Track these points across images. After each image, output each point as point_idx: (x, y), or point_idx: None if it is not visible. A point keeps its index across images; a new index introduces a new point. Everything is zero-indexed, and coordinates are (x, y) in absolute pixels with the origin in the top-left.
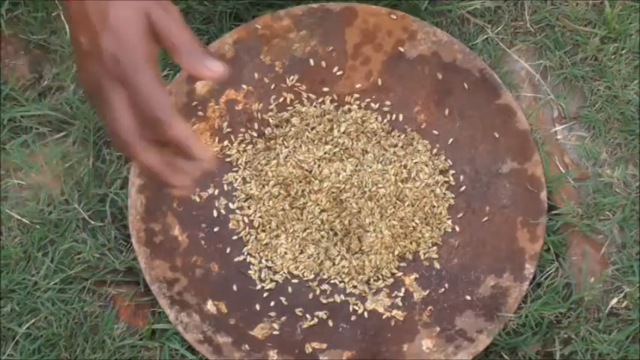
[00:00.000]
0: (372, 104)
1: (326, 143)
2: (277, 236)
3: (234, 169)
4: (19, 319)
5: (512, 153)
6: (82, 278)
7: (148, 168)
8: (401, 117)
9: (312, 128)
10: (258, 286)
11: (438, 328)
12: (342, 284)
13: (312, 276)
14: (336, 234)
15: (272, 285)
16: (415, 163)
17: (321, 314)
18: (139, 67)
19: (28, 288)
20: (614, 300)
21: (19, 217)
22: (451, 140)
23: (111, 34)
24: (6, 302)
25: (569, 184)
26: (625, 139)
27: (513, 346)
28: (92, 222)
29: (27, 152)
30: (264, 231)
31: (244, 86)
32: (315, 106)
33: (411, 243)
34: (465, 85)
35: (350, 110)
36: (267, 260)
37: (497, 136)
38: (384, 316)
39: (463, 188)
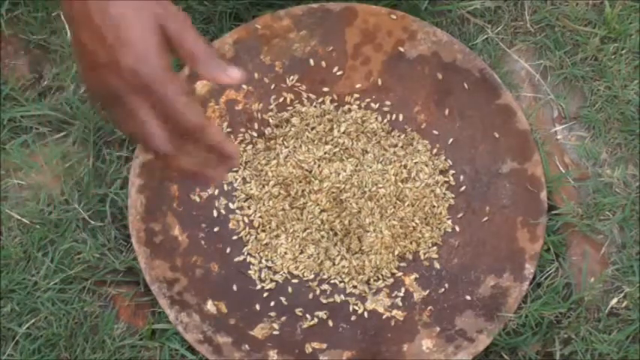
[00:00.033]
0: (372, 104)
1: (326, 143)
2: (277, 236)
3: (234, 169)
4: (19, 319)
5: (512, 153)
6: (82, 278)
7: (184, 170)
8: (401, 117)
9: (312, 128)
10: (258, 286)
11: (438, 328)
12: (342, 284)
13: (312, 276)
14: (336, 234)
15: (272, 285)
16: (415, 163)
17: (321, 314)
18: (163, 81)
19: (28, 288)
20: (614, 300)
21: (19, 217)
22: (451, 140)
23: (129, 49)
24: (6, 302)
25: (569, 184)
26: (625, 139)
27: (513, 346)
28: (92, 222)
29: (27, 152)
30: (264, 231)
31: (244, 86)
32: (315, 106)
33: (411, 243)
34: (465, 85)
35: (350, 110)
36: (267, 260)
37: (497, 136)
38: (384, 316)
39: (463, 188)
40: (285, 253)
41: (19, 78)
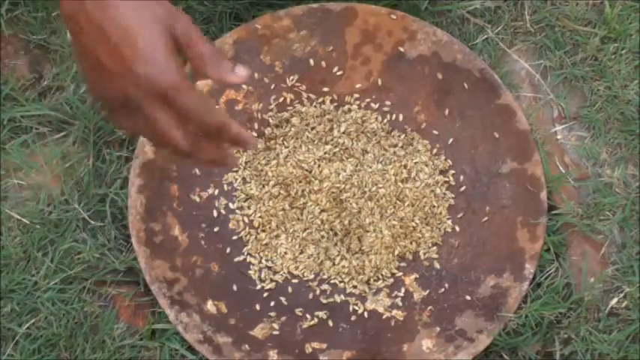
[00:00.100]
0: (372, 104)
1: (326, 143)
2: (277, 236)
3: (234, 169)
4: (19, 319)
5: (512, 153)
6: (82, 278)
7: (207, 163)
8: (401, 117)
9: (312, 128)
10: (258, 286)
11: (438, 328)
12: (342, 284)
13: (312, 276)
14: (336, 234)
15: (272, 285)
16: (415, 163)
17: (321, 314)
18: (182, 88)
19: (28, 288)
20: (614, 300)
21: (19, 217)
22: (451, 140)
23: (143, 59)
24: (6, 302)
25: (569, 184)
26: (625, 139)
27: (513, 346)
28: (92, 222)
29: (27, 152)
30: (264, 231)
31: (244, 86)
32: (315, 106)
33: (411, 243)
34: (465, 85)
35: (350, 110)
36: (267, 260)
37: (497, 136)
38: (384, 316)
39: (463, 188)
40: (285, 253)
41: (19, 78)
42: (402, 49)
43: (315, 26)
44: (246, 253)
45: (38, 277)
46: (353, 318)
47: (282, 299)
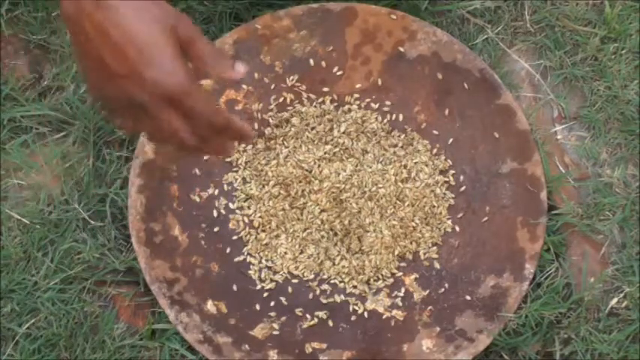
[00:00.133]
0: (372, 104)
1: (326, 143)
2: (277, 236)
3: (234, 169)
4: (19, 319)
5: (512, 153)
6: (82, 278)
7: (213, 153)
8: (401, 117)
9: (312, 128)
10: (258, 286)
11: (438, 328)
12: (342, 284)
13: (312, 276)
14: (336, 234)
15: (272, 285)
16: (415, 163)
17: (321, 314)
18: (190, 91)
19: (28, 288)
20: (614, 300)
21: (19, 217)
22: (451, 140)
23: (149, 61)
24: (6, 302)
25: (569, 184)
26: (625, 139)
27: (513, 346)
28: (92, 222)
29: (27, 152)
30: (264, 231)
31: (244, 86)
32: (315, 106)
33: (411, 243)
34: (465, 85)
35: (350, 110)
36: (267, 260)
37: (497, 136)
38: (384, 316)
39: (463, 188)
40: (285, 253)
41: (19, 78)
42: (402, 49)
43: (315, 26)
44: (246, 253)
45: (38, 277)
46: (353, 318)
47: (282, 299)
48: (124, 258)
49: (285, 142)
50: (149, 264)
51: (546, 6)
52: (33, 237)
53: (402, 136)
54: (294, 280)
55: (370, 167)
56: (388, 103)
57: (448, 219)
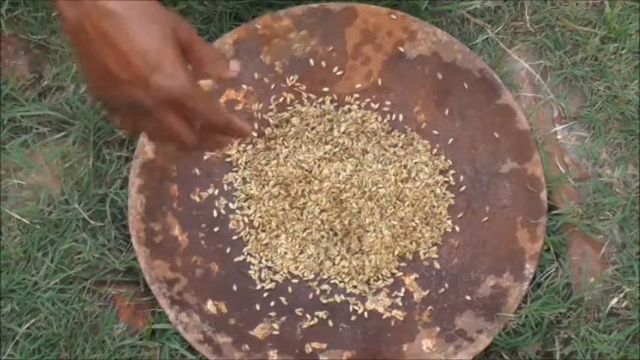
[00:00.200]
0: (372, 104)
1: (326, 143)
2: (277, 236)
3: (234, 169)
4: (19, 319)
5: (512, 153)
6: (82, 278)
7: (211, 149)
8: (401, 117)
9: (312, 128)
10: (258, 286)
11: (438, 328)
12: (342, 284)
13: (312, 276)
14: (336, 234)
15: (272, 285)
16: (415, 163)
17: (321, 314)
18: (193, 95)
19: (28, 288)
20: (614, 300)
21: (19, 217)
22: (451, 140)
23: (153, 66)
24: (6, 302)
25: (569, 184)
26: (625, 139)
27: (513, 346)
28: (92, 222)
29: (27, 152)
30: (264, 231)
31: (244, 86)
32: (315, 106)
33: (411, 243)
34: (465, 85)
35: (350, 110)
36: (267, 260)
37: (497, 136)
38: (384, 316)
39: (463, 188)
40: (285, 253)
41: (19, 78)
42: (402, 49)
43: (315, 26)
44: (246, 253)
45: (38, 277)
46: (353, 318)
47: (282, 299)
48: (124, 258)
49: (285, 142)
50: (149, 264)
51: (546, 6)
52: (33, 237)
53: (402, 136)
54: (294, 280)
55: (370, 167)
56: (388, 103)
57: (448, 219)
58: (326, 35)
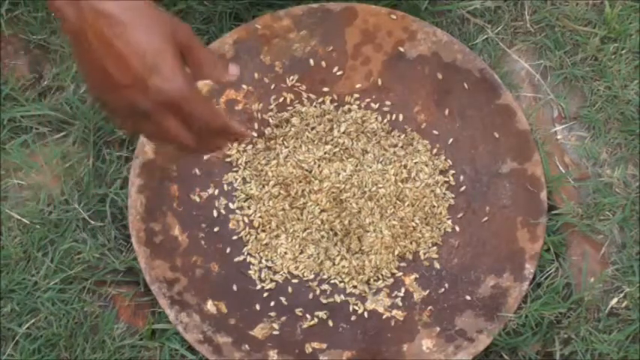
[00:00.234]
0: (372, 104)
1: (326, 143)
2: (277, 236)
3: (234, 169)
4: (19, 319)
5: (513, 153)
6: (82, 278)
7: (209, 151)
8: (401, 117)
9: (312, 128)
10: (258, 286)
11: (438, 328)
12: (342, 284)
13: (312, 276)
14: (336, 234)
15: (272, 285)
16: (415, 163)
17: (321, 314)
18: (192, 98)
19: (28, 288)
20: (614, 300)
21: (19, 217)
22: (451, 140)
23: (152, 71)
24: (6, 302)
25: (569, 184)
26: (625, 139)
27: (513, 346)
28: (92, 222)
29: (27, 152)
30: (264, 231)
31: (244, 86)
32: (315, 106)
33: (411, 243)
34: (465, 85)
35: (350, 110)
36: (267, 260)
37: (497, 136)
38: (384, 316)
39: (463, 188)
40: (285, 253)
41: (19, 78)
42: (402, 49)
43: (315, 26)
44: (246, 253)
45: (38, 277)
46: (353, 318)
47: (282, 299)
48: (124, 258)
49: (285, 142)
50: (149, 264)
51: (546, 6)
52: (33, 237)
53: (402, 136)
54: (294, 280)
55: (370, 167)
56: (388, 103)
57: (448, 219)
58: (326, 35)
